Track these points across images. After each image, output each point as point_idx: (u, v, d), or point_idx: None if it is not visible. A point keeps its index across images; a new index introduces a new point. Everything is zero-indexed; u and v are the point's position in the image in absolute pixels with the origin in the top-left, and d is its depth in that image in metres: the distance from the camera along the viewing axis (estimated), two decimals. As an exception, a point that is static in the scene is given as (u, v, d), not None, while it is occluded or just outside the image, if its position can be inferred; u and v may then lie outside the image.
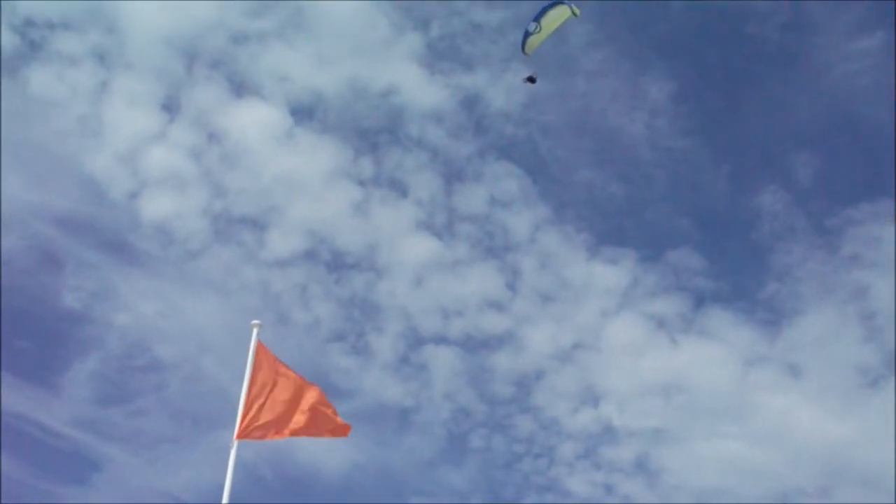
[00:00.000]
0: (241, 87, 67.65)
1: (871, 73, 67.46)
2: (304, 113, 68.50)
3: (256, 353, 22.89)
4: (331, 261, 66.75)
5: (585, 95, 72.04)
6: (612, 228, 70.35)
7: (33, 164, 64.05)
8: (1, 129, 59.67)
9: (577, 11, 40.48)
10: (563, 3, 40.85)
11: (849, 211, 66.92)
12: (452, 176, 69.30)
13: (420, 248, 67.52)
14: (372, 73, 68.98)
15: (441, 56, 70.04)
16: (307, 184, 67.61)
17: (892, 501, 54.08)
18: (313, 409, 23.02)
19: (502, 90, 69.21)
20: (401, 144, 69.15)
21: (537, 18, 40.77)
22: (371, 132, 69.29)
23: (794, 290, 66.18)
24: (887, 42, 66.94)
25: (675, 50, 72.79)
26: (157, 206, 64.95)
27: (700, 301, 66.17)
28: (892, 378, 61.02)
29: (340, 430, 23.46)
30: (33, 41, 64.93)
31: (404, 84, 68.99)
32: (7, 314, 57.50)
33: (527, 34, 41.24)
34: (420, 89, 69.37)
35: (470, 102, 69.85)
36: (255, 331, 23.26)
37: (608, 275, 67.32)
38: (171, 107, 66.45)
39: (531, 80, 44.44)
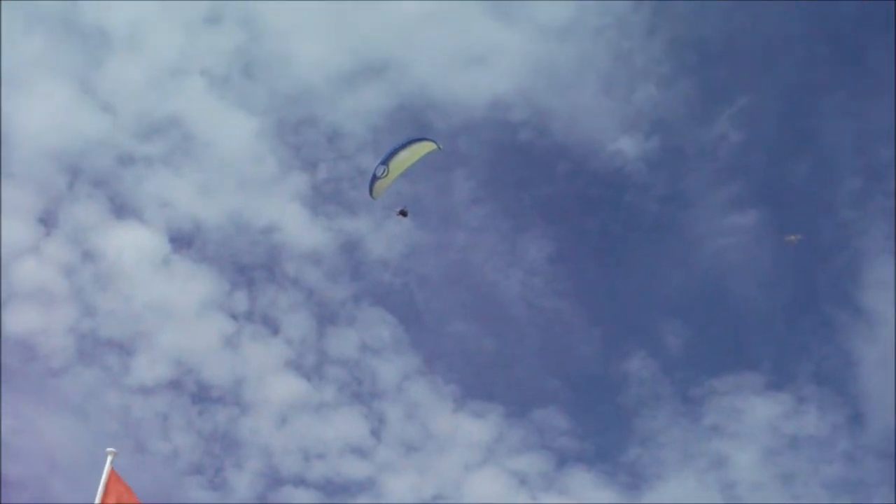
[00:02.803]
0: (121, 209, 67.32)
1: (743, 249, 69.86)
2: (183, 241, 68.20)
3: (108, 481, 22.27)
4: (196, 392, 65.78)
5: (465, 249, 73.03)
6: (480, 382, 70.65)
7: None
8: None
9: (441, 146, 40.86)
10: (420, 140, 41.19)
11: (713, 382, 68.30)
12: (326, 318, 69.43)
13: (287, 387, 66.90)
14: (255, 208, 69.36)
15: (325, 198, 70.74)
16: (179, 312, 66.81)
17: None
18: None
19: (383, 237, 70.04)
20: (277, 282, 69.22)
21: (385, 161, 40.77)
22: (248, 267, 69.29)
23: (656, 455, 66.97)
24: (760, 220, 69.62)
25: (555, 213, 74.37)
26: (22, 320, 63.57)
27: (563, 460, 66.48)
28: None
29: None
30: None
31: (286, 222, 69.48)
32: None
33: (374, 178, 41.04)
34: (301, 229, 69.79)
35: (350, 247, 70.42)
36: (109, 458, 22.66)
37: (473, 428, 67.36)
38: (48, 221, 65.84)
39: (403, 213, 44.54)
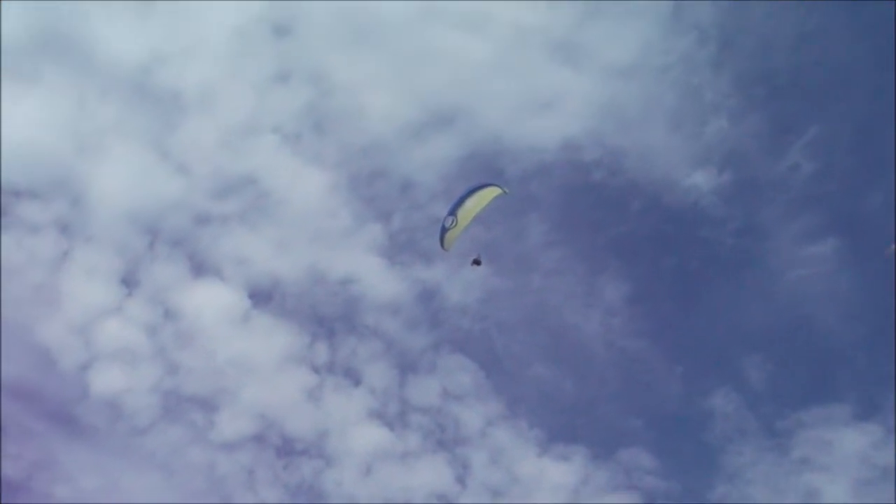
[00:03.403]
0: (200, 267, 68.58)
1: (823, 279, 68.99)
2: (262, 296, 69.14)
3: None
4: (280, 446, 66.24)
5: (541, 292, 72.84)
6: (564, 425, 70.02)
7: (-15, 329, 63.66)
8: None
9: (507, 189, 40.72)
10: (486, 186, 41.09)
11: (799, 414, 67.34)
12: (406, 367, 69.67)
13: (371, 437, 67.08)
14: (331, 261, 70.15)
15: (401, 248, 71.28)
16: (261, 367, 67.52)
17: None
18: None
19: (459, 284, 70.25)
20: (357, 333, 69.69)
21: (453, 212, 40.68)
22: (328, 319, 69.94)
23: (744, 491, 65.98)
24: (838, 248, 68.90)
25: (631, 252, 74.02)
26: (107, 380, 64.82)
27: (650, 500, 65.90)
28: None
29: None
30: (-2, 207, 65.65)
31: (363, 274, 70.18)
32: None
33: (444, 230, 41.02)
34: (378, 280, 70.40)
35: (427, 295, 70.73)
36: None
37: (559, 471, 66.92)
38: (129, 281, 67.24)
39: (477, 262, 44.52)
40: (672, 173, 71.45)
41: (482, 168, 70.82)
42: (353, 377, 68.51)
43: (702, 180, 70.54)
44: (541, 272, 72.57)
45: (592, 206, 73.57)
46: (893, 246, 58.38)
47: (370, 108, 71.44)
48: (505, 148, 70.75)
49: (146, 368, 65.66)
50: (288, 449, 66.11)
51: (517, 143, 70.71)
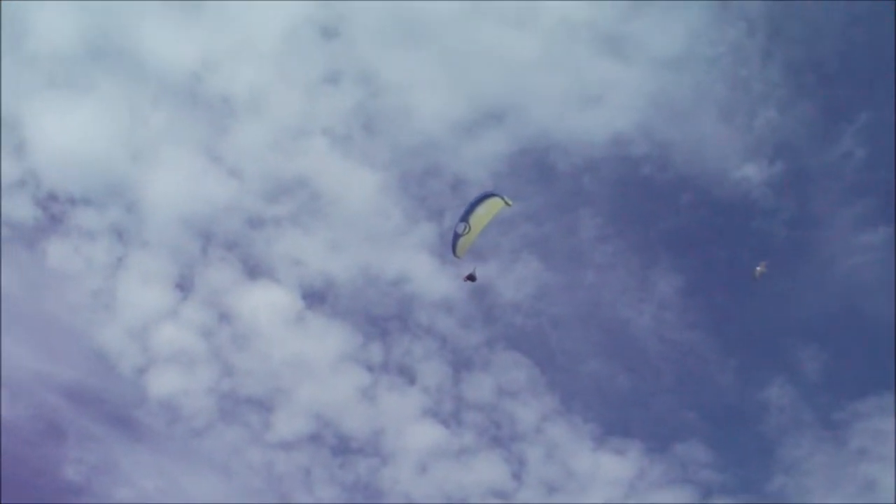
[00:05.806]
0: (254, 270, 69.17)
1: (876, 267, 68.33)
2: (316, 297, 69.61)
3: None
4: (336, 445, 66.75)
5: (594, 288, 72.76)
6: (618, 420, 69.92)
7: (44, 335, 64.94)
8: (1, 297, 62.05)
9: (510, 202, 40.57)
10: (492, 196, 40.93)
11: (855, 405, 66.90)
12: (460, 364, 69.80)
13: (426, 435, 67.43)
14: (384, 260, 70.51)
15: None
16: (316, 367, 68.05)
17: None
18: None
19: (513, 281, 70.32)
20: (410, 332, 69.94)
21: (465, 218, 40.50)
22: (381, 319, 70.28)
23: (801, 483, 65.62)
24: (891, 236, 68.21)
25: (682, 244, 73.71)
26: (164, 383, 65.65)
27: (707, 493, 65.72)
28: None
29: None
30: (54, 215, 67.24)
31: (416, 273, 70.37)
32: (7, 483, 57.42)
33: (456, 236, 40.90)
34: (431, 278, 70.51)
35: (480, 292, 70.59)
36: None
37: (615, 466, 66.95)
38: (184, 285, 68.01)
39: (471, 278, 44.30)
40: (722, 165, 71.22)
41: (533, 164, 71.27)
42: (408, 376, 68.93)
43: (753, 172, 70.28)
44: (593, 267, 72.56)
45: (643, 200, 73.41)
46: (759, 267, 58.26)
47: (419, 107, 71.83)
48: (555, 143, 70.90)
49: (203, 371, 66.49)
50: (344, 448, 66.74)
51: (567, 138, 70.87)
